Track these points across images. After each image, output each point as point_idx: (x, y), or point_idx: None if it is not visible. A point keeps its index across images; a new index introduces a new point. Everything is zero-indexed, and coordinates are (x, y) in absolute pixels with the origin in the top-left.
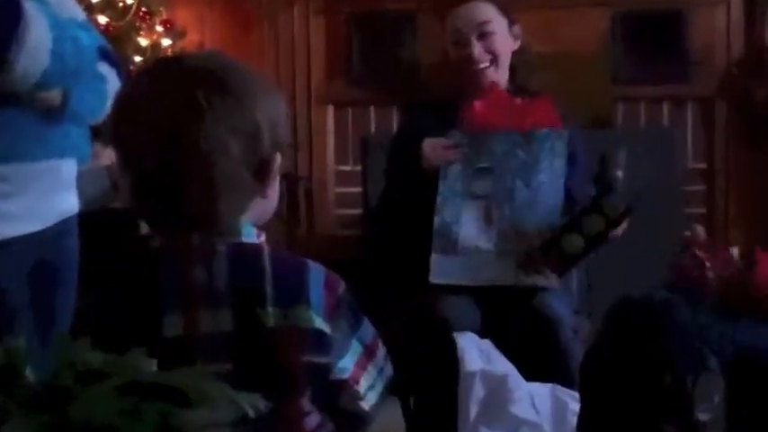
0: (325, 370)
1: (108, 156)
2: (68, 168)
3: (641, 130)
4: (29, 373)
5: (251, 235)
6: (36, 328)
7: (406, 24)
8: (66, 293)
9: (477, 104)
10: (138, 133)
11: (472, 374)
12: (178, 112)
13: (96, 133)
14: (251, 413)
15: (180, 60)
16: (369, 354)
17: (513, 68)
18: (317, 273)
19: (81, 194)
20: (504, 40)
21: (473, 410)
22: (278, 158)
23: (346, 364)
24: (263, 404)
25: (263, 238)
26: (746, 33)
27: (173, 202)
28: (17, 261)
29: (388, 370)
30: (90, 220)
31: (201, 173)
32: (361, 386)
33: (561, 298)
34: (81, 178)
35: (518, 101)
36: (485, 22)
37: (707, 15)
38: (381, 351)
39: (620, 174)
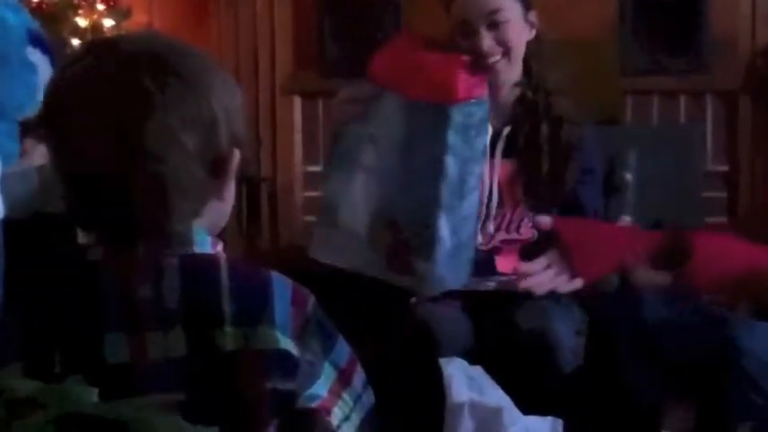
0: (293, 398)
1: (40, 154)
2: None
3: (654, 128)
4: None
5: (205, 244)
6: None
7: (388, 4)
8: None
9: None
10: (75, 126)
11: (460, 406)
12: (122, 100)
13: (26, 129)
14: None
15: (122, 41)
16: (344, 379)
17: (526, 61)
18: (281, 286)
19: (6, 198)
20: (519, 29)
21: None
22: (236, 155)
23: (317, 391)
24: None
25: (219, 247)
26: None
27: (115, 207)
28: None
29: (368, 398)
30: (17, 227)
31: (150, 172)
32: (335, 417)
33: (562, 316)
34: (7, 179)
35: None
36: (496, 11)
37: None
38: (359, 376)
39: (629, 177)
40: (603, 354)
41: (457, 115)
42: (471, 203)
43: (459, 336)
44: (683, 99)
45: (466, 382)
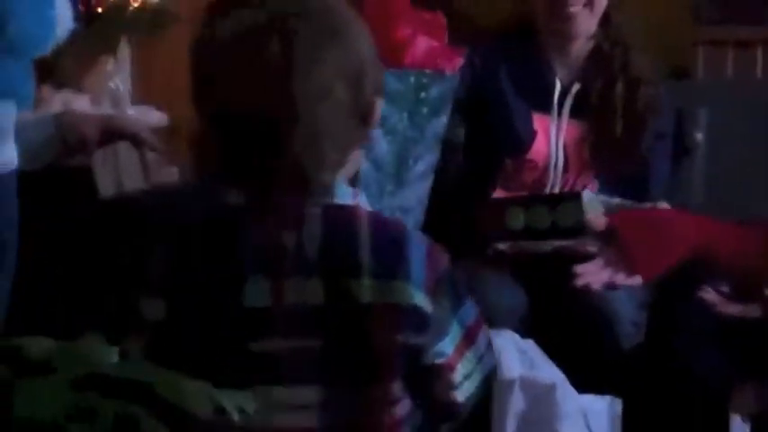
0: (421, 353)
1: (60, 101)
2: (5, 112)
3: (728, 82)
4: None
5: (346, 196)
6: None
7: None
8: (4, 267)
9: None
10: (222, 74)
11: (510, 383)
12: (272, 49)
13: (44, 71)
14: (235, 416)
15: None
16: (469, 338)
17: (606, 11)
18: (418, 243)
19: (21, 148)
20: None
21: (510, 427)
22: (379, 104)
23: (444, 349)
24: (251, 407)
25: (358, 199)
26: None
27: (266, 156)
28: None
29: (490, 359)
30: (33, 180)
31: (304, 123)
32: (458, 374)
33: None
34: (21, 127)
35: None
36: None
37: None
38: (483, 336)
39: (700, 137)
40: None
41: (396, 83)
42: (415, 194)
43: (511, 304)
44: (760, 50)
45: (517, 357)
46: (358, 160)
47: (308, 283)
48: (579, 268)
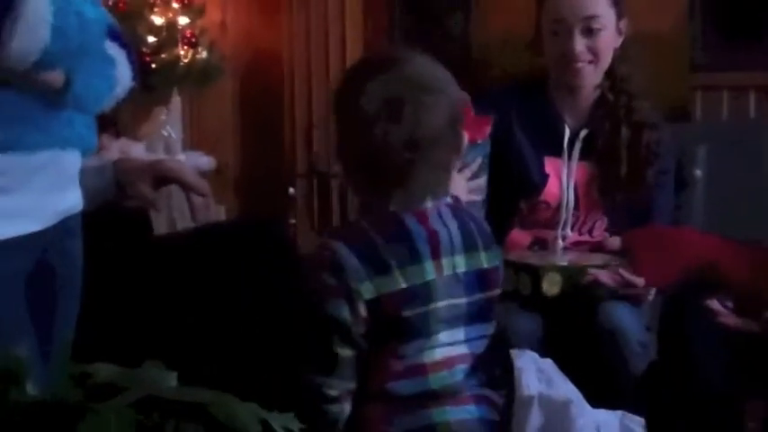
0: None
1: (118, 148)
2: (72, 161)
3: (724, 124)
4: (29, 387)
5: (447, 197)
6: (35, 339)
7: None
8: (69, 300)
9: None
10: (372, 127)
11: (530, 399)
12: (407, 113)
13: (104, 121)
14: None
15: (404, 63)
16: None
17: (611, 64)
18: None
19: (83, 191)
20: (610, 37)
21: None
22: (465, 135)
23: None
24: (296, 426)
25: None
26: None
27: (405, 177)
28: (16, 263)
29: None
30: (94, 219)
31: (437, 155)
32: None
33: (630, 309)
34: (83, 173)
35: None
36: (593, 17)
37: None
38: None
39: (698, 172)
40: (678, 348)
41: None
42: None
43: (529, 329)
44: (753, 94)
45: (536, 375)
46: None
47: (455, 258)
48: (593, 271)
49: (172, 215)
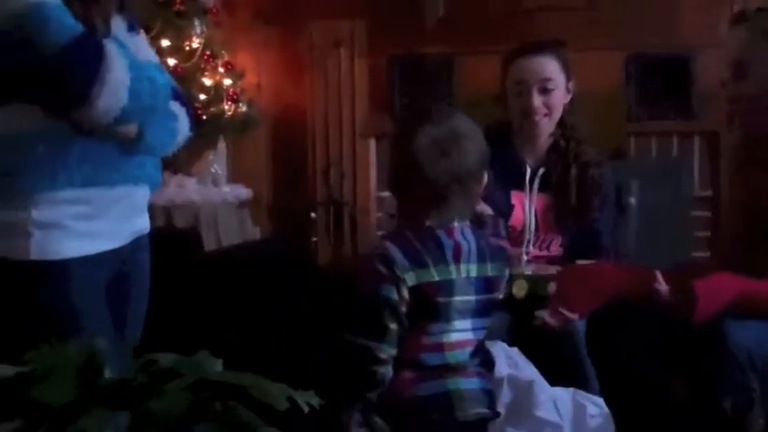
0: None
1: (175, 183)
2: (142, 194)
3: (652, 162)
4: (107, 372)
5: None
6: (114, 332)
7: (444, 65)
8: (139, 303)
9: None
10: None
11: (501, 380)
12: (452, 151)
13: (164, 163)
14: (305, 408)
15: (446, 120)
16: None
17: (563, 116)
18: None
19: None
20: (561, 95)
21: (501, 412)
22: (485, 176)
23: None
24: (316, 401)
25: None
26: None
27: (445, 201)
28: (99, 274)
29: None
30: (159, 237)
31: (465, 187)
32: None
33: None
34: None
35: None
36: (548, 79)
37: (711, 57)
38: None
39: (633, 200)
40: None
41: None
42: None
43: (500, 323)
44: (675, 138)
45: (505, 360)
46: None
47: (470, 265)
48: (538, 313)
49: (219, 234)
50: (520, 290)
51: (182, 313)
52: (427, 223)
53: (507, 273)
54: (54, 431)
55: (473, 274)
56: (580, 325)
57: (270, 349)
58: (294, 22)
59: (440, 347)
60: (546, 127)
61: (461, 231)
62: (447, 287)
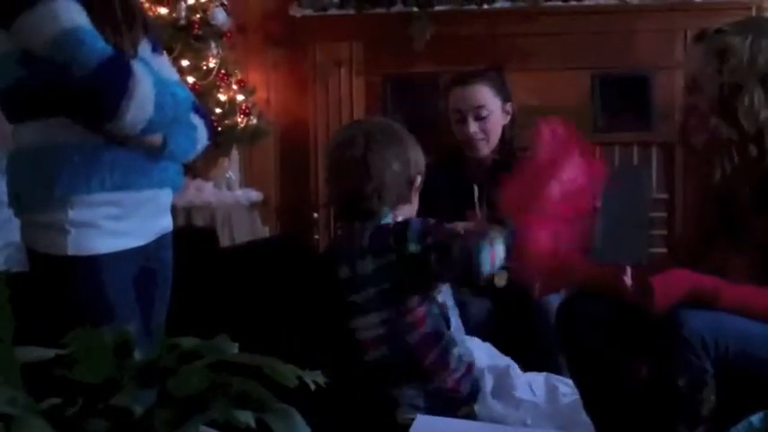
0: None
1: (194, 187)
2: (166, 196)
3: (615, 168)
4: (136, 354)
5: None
6: (141, 320)
7: (429, 84)
8: (163, 293)
9: None
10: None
11: (482, 370)
12: (363, 150)
13: (185, 168)
14: (311, 386)
15: (363, 123)
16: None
17: (503, 132)
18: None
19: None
20: (497, 118)
21: (488, 398)
22: (418, 179)
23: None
24: (322, 380)
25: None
26: None
27: (357, 201)
28: (128, 267)
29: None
30: (180, 236)
31: (374, 184)
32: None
33: (555, 298)
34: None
35: None
36: (481, 107)
37: (668, 77)
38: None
39: (598, 203)
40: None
41: None
42: None
43: (479, 312)
44: (636, 148)
45: (484, 353)
46: (411, 212)
47: (365, 262)
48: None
49: (232, 232)
50: (500, 279)
51: (201, 302)
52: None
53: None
54: (89, 407)
55: (370, 267)
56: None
57: (279, 333)
58: (300, 44)
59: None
60: (485, 149)
61: (361, 228)
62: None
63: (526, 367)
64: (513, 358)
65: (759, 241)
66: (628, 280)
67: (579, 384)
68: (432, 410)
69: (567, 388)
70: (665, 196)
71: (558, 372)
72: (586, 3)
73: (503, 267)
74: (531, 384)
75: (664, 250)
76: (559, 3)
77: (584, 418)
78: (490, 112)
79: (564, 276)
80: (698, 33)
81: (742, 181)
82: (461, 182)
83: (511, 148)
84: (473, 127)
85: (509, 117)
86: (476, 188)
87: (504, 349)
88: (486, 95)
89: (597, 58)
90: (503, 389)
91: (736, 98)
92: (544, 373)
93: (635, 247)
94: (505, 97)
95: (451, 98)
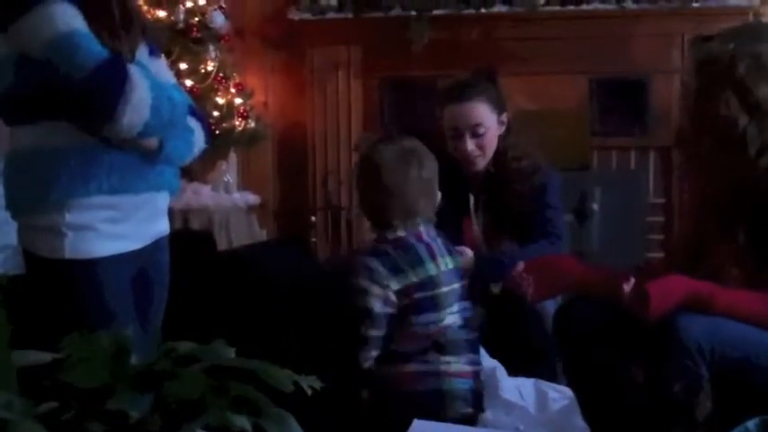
0: None
1: (191, 190)
2: (163, 199)
3: (613, 173)
4: (134, 358)
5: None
6: (138, 322)
7: (427, 87)
8: (160, 297)
9: None
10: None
11: None
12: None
13: (182, 171)
14: (308, 391)
15: (397, 139)
16: None
17: (498, 141)
18: None
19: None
20: (493, 134)
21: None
22: (438, 193)
23: None
24: (318, 384)
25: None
26: None
27: (411, 212)
28: (125, 271)
29: None
30: (177, 239)
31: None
32: None
33: (551, 303)
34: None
35: None
36: (477, 125)
37: (666, 82)
38: None
39: (595, 206)
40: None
41: None
42: None
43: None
44: (633, 152)
45: None
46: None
47: (445, 259)
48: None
49: (230, 236)
50: (495, 286)
51: (198, 306)
52: (395, 235)
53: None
54: (85, 412)
55: (450, 266)
56: (550, 309)
57: (275, 337)
58: (298, 48)
59: (432, 334)
60: (482, 163)
61: (427, 233)
62: (431, 283)
63: (518, 373)
64: (504, 363)
65: (753, 248)
66: (627, 287)
67: (576, 389)
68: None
69: (555, 393)
70: (662, 201)
71: (553, 377)
72: (584, 7)
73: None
74: (520, 389)
75: (661, 255)
76: (557, 7)
77: (577, 422)
78: (487, 129)
79: (558, 282)
80: (692, 39)
81: (731, 189)
82: (457, 191)
83: (505, 159)
84: (470, 145)
85: (504, 127)
86: (471, 197)
87: (495, 354)
88: (482, 112)
89: (595, 63)
90: (489, 390)
91: (716, 106)
92: (533, 379)
93: (632, 252)
94: (501, 109)
95: (447, 114)
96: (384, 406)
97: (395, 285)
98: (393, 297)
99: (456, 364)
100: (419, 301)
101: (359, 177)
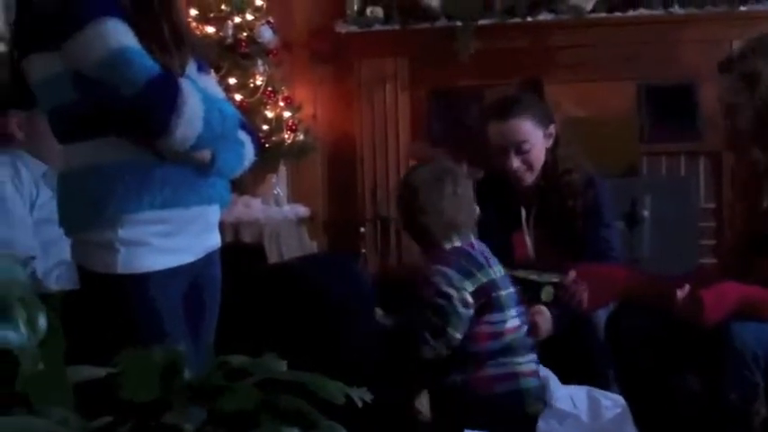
0: None
1: (242, 203)
2: (214, 212)
3: (663, 179)
4: (186, 373)
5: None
6: (190, 336)
7: (474, 97)
8: (212, 310)
9: None
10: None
11: None
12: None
13: (232, 184)
14: (359, 403)
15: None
16: None
17: (546, 154)
18: None
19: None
20: (540, 149)
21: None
22: (476, 207)
23: None
24: (368, 396)
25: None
26: None
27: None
28: (177, 285)
29: None
30: (229, 252)
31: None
32: None
33: (603, 312)
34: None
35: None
36: (524, 141)
37: (714, 87)
38: None
39: (646, 213)
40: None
41: None
42: None
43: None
44: (683, 158)
45: None
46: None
47: (497, 267)
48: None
49: (281, 248)
50: (548, 296)
51: (249, 319)
52: (451, 246)
53: None
54: (140, 426)
55: (502, 272)
56: (602, 320)
57: (326, 350)
58: (345, 60)
59: (501, 334)
60: (529, 179)
61: (476, 243)
62: (494, 285)
63: (570, 381)
64: (556, 372)
65: None
66: (681, 294)
67: (629, 398)
68: None
69: (608, 401)
70: (712, 206)
71: (606, 385)
72: (631, 13)
73: (549, 283)
74: (573, 397)
75: (713, 260)
76: (603, 14)
77: (630, 430)
78: (532, 146)
79: (610, 290)
80: (721, 63)
81: None
82: (508, 205)
83: (555, 172)
84: (516, 162)
85: (551, 139)
86: (523, 211)
87: (547, 363)
88: (527, 129)
89: (643, 69)
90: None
91: None
92: (585, 387)
93: (683, 258)
94: (547, 122)
95: (491, 132)
96: (453, 413)
97: (469, 287)
98: (469, 298)
99: (527, 364)
100: (491, 300)
101: (399, 200)
